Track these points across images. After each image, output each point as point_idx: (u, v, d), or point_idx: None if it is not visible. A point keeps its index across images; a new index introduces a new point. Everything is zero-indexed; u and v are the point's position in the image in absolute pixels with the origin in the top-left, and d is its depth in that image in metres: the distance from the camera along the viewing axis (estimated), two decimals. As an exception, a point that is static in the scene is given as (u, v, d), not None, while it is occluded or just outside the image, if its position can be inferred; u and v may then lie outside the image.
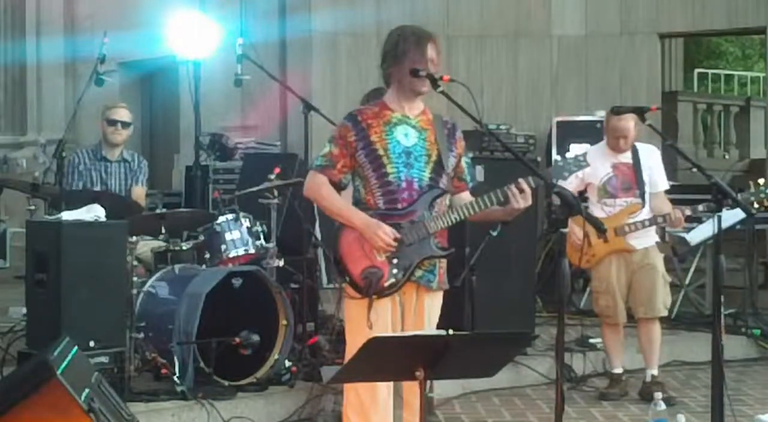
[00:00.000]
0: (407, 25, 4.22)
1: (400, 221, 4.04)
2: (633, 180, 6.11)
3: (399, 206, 4.06)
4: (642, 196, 6.11)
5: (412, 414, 4.10)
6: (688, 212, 6.00)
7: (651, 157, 6.19)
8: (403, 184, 4.07)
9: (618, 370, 6.32)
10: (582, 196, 6.31)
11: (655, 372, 6.25)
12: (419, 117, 4.18)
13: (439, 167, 4.13)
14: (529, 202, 4.00)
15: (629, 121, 5.94)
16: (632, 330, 6.41)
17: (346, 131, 4.11)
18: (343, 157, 4.10)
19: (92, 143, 6.76)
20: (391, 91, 4.19)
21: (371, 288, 4.00)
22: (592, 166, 6.13)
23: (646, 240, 6.19)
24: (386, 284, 4.03)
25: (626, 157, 6.16)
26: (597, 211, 6.13)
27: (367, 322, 3.97)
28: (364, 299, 4.01)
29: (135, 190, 6.53)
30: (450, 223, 4.09)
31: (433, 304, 4.18)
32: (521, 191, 3.97)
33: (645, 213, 6.10)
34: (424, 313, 4.15)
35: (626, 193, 6.12)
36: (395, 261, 4.02)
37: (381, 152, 4.07)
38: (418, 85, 4.08)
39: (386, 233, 3.99)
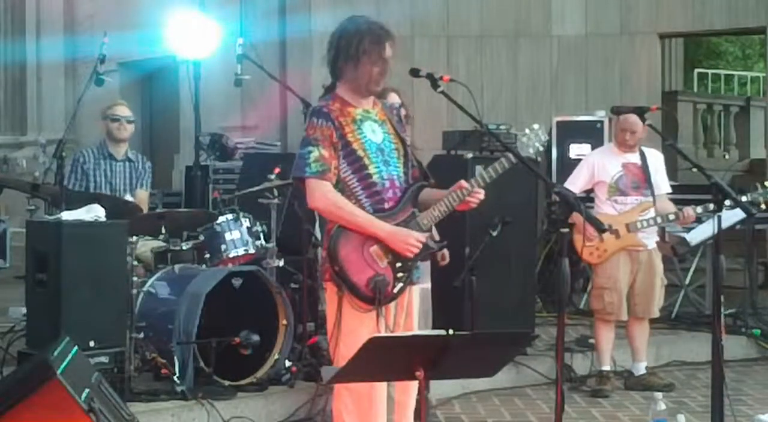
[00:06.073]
0: (363, 21, 3.95)
1: (391, 222, 3.87)
2: (642, 179, 6.27)
3: (386, 206, 3.90)
4: (651, 195, 6.25)
5: (404, 416, 4.07)
6: (699, 210, 6.07)
7: (656, 161, 6.39)
8: (387, 183, 3.91)
9: (607, 367, 6.42)
10: (588, 194, 6.38)
11: (646, 363, 6.55)
12: (375, 109, 4.02)
13: (407, 160, 4.01)
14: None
15: (635, 116, 6.01)
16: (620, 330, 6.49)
17: (329, 131, 3.86)
18: (333, 159, 3.86)
19: (94, 143, 6.72)
20: (344, 86, 3.96)
21: (382, 297, 3.81)
22: (603, 165, 6.33)
23: (652, 241, 6.35)
24: (395, 290, 3.89)
25: (635, 157, 6.32)
26: (607, 208, 6.27)
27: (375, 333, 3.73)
28: (372, 310, 3.82)
29: (139, 193, 6.45)
30: (441, 216, 3.94)
31: (416, 298, 4.10)
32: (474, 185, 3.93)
33: (653, 213, 6.21)
34: (413, 310, 4.06)
35: (636, 191, 6.27)
36: (398, 264, 3.87)
37: (360, 152, 3.88)
38: (375, 87, 3.92)
39: (418, 239, 3.84)
